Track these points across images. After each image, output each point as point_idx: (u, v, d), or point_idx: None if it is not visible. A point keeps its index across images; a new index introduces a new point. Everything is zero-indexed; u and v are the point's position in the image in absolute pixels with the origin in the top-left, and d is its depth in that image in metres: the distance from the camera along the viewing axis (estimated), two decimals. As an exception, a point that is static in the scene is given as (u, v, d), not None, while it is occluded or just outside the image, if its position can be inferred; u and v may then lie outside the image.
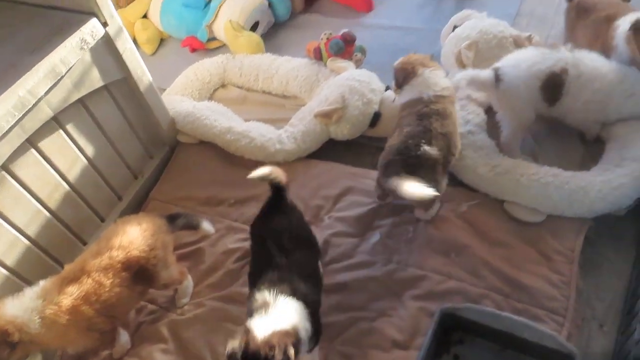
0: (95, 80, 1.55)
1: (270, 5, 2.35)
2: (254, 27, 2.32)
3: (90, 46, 1.48)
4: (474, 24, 1.90)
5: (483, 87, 1.65)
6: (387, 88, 1.88)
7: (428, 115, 1.45)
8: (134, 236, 1.35)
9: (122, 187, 1.81)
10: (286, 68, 2.11)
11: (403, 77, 1.55)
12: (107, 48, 1.57)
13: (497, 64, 1.62)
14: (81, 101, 1.55)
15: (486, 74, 1.59)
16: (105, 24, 1.52)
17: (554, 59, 1.55)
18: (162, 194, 1.88)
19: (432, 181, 1.36)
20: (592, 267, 1.46)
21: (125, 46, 1.62)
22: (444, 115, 1.46)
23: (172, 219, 1.51)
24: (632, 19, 1.54)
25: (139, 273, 1.35)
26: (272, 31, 2.43)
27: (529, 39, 1.83)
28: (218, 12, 2.30)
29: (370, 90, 1.80)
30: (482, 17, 1.97)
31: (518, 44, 1.83)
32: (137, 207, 1.84)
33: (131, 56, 1.65)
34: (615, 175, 1.49)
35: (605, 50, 1.62)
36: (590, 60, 1.55)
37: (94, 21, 1.48)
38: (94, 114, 1.61)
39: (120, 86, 1.68)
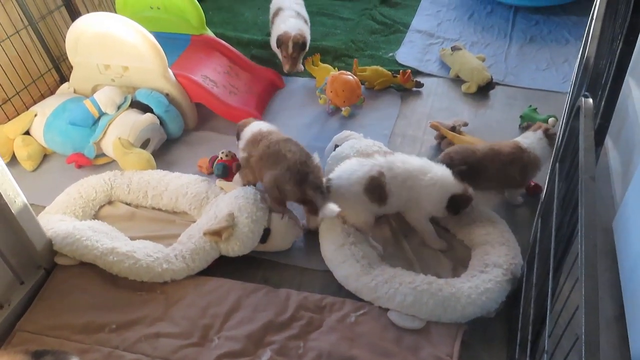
0: (-42, 205, 1.45)
1: (161, 122, 2.40)
2: (144, 144, 2.34)
3: (-46, 171, 1.40)
4: (352, 144, 2.09)
5: None
6: (275, 203, 1.96)
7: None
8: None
9: (-17, 319, 1.63)
10: (176, 184, 2.12)
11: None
12: (-26, 172, 1.49)
13: (330, 175, 1.87)
14: (-61, 228, 1.42)
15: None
16: (-26, 148, 1.46)
17: (370, 164, 1.80)
18: (32, 323, 1.71)
19: None
20: (470, 370, 1.54)
21: (-3, 168, 1.55)
22: None
23: (37, 356, 1.37)
24: None
25: None
26: (164, 147, 2.46)
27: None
28: (107, 129, 2.30)
29: (259, 208, 1.86)
30: (360, 138, 2.18)
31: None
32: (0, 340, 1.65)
33: (2, 177, 1.57)
34: (481, 280, 1.64)
35: None
36: (401, 162, 1.82)
37: (-39, 145, 1.41)
38: (-46, 241, 1.48)
39: (-12, 209, 1.58)
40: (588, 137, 0.99)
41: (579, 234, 0.85)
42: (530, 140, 1.99)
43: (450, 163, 1.89)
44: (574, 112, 1.20)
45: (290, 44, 2.66)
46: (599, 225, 1.89)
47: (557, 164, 1.34)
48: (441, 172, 1.82)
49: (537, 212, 1.71)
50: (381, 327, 1.64)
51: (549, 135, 1.98)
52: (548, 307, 1.06)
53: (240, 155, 2.04)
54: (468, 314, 1.59)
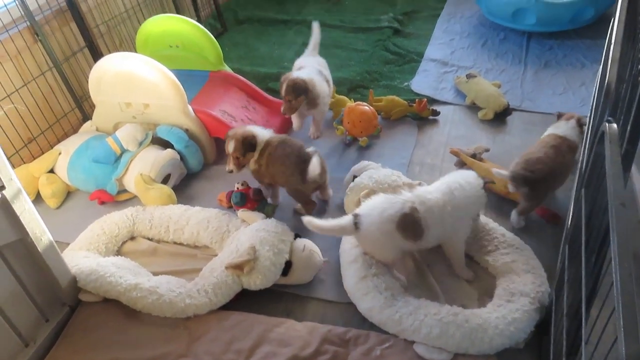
0: (-14, 245, 1.48)
1: (181, 158, 2.44)
2: (165, 180, 2.37)
3: (-17, 211, 1.43)
4: (370, 174, 2.10)
5: (343, 231, 1.83)
6: (297, 236, 1.96)
7: None
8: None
9: (10, 358, 1.63)
10: (197, 218, 2.14)
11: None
12: (2, 211, 1.51)
13: (357, 210, 1.80)
14: (-33, 268, 1.44)
15: (346, 219, 1.77)
16: (2, 188, 1.49)
17: (401, 201, 1.74)
18: (57, 361, 1.71)
19: None
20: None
21: (24, 207, 1.58)
22: None
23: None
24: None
25: None
26: (184, 182, 2.49)
27: (420, 185, 2.04)
28: (129, 166, 2.35)
29: (281, 241, 1.87)
30: (378, 168, 2.18)
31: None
32: (25, 380, 1.65)
33: (29, 216, 1.60)
34: (508, 310, 1.60)
35: None
36: (429, 193, 1.78)
37: (-11, 186, 1.45)
38: (-18, 280, 1.50)
39: (15, 248, 1.60)
40: (615, 163, 0.97)
41: (613, 262, 0.83)
42: (563, 129, 2.08)
43: (526, 179, 1.91)
44: (598, 137, 1.19)
45: (284, 86, 2.42)
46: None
47: (583, 190, 1.32)
48: (460, 176, 1.83)
49: (563, 238, 1.68)
50: (408, 360, 1.60)
51: (581, 125, 2.09)
52: (583, 338, 1.03)
53: (252, 168, 2.17)
54: (496, 345, 1.55)
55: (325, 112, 2.66)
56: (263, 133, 2.15)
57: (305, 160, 2.02)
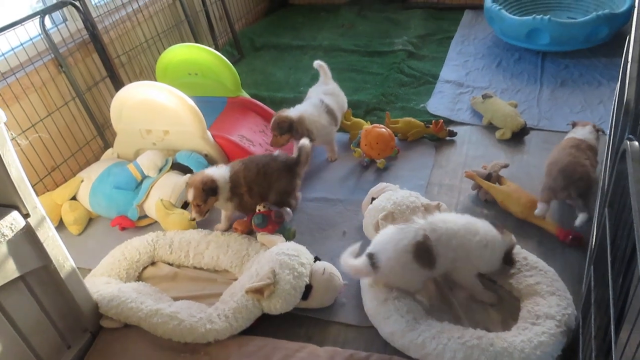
0: (10, 272, 1.49)
1: (201, 183, 2.47)
2: (185, 205, 2.40)
3: (7, 238, 1.46)
4: (389, 195, 2.09)
5: (360, 273, 1.81)
6: (316, 259, 1.95)
7: None
8: None
9: (32, 385, 1.64)
10: (217, 243, 2.15)
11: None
12: (26, 238, 1.54)
13: (370, 249, 1.77)
14: (-9, 295, 1.47)
15: (361, 261, 1.77)
16: (27, 215, 1.53)
17: (413, 230, 1.72)
18: (79, 389, 1.72)
19: None
20: None
21: (48, 234, 1.60)
22: None
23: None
24: None
25: None
26: (203, 206, 2.51)
27: (438, 207, 2.03)
28: (149, 192, 2.38)
29: (300, 264, 1.86)
30: (396, 189, 2.18)
31: (429, 212, 2.01)
32: (47, 407, 1.65)
33: (53, 243, 1.63)
34: (534, 333, 1.56)
35: None
36: (443, 222, 1.75)
37: (14, 214, 1.47)
38: (5, 308, 1.51)
39: (38, 275, 1.62)
40: (639, 182, 0.96)
41: (642, 283, 0.81)
42: (580, 132, 2.20)
43: (579, 190, 1.96)
44: (619, 155, 1.18)
45: (271, 122, 2.50)
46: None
47: (606, 209, 1.30)
48: (487, 230, 1.76)
49: (588, 259, 1.65)
50: (432, 385, 1.57)
51: (597, 130, 2.24)
52: (614, 363, 1.00)
53: (233, 203, 2.24)
54: (523, 369, 1.51)
55: (330, 139, 2.67)
56: (221, 172, 2.18)
57: (275, 158, 2.24)
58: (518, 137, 2.66)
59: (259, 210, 2.22)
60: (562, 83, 3.08)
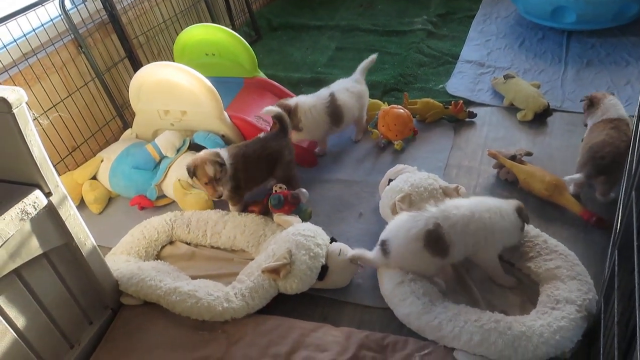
0: (34, 249, 1.53)
1: (218, 164, 2.47)
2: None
3: (31, 217, 1.48)
4: (406, 177, 2.06)
5: (371, 263, 1.83)
6: (332, 240, 1.95)
7: None
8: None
9: (56, 359, 1.68)
10: (234, 223, 2.16)
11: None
12: (49, 216, 1.57)
13: (382, 236, 1.78)
14: (16, 271, 1.49)
15: (374, 253, 1.80)
16: (49, 194, 1.55)
17: (424, 218, 1.70)
18: (100, 363, 1.76)
19: None
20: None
21: (69, 213, 1.63)
22: None
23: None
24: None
25: None
26: (220, 187, 2.52)
27: (457, 189, 2.00)
28: (167, 172, 2.40)
29: (316, 245, 1.86)
30: (413, 171, 2.15)
31: (447, 194, 1.99)
32: (71, 381, 1.70)
33: (74, 222, 1.65)
34: (553, 318, 1.54)
35: None
36: (456, 209, 1.72)
37: (37, 192, 1.49)
38: (29, 283, 1.55)
39: (60, 252, 1.65)
40: (669, 163, 0.93)
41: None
42: (612, 111, 2.10)
43: (598, 167, 1.93)
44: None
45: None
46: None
47: (633, 192, 1.26)
48: (493, 202, 1.78)
49: (611, 243, 1.61)
50: (448, 368, 1.56)
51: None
52: (637, 348, 0.97)
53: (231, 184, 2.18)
54: (541, 354, 1.49)
55: (319, 137, 2.58)
56: (221, 152, 2.15)
57: (264, 138, 2.27)
58: (540, 118, 2.60)
59: (276, 191, 2.22)
60: (587, 63, 2.99)
